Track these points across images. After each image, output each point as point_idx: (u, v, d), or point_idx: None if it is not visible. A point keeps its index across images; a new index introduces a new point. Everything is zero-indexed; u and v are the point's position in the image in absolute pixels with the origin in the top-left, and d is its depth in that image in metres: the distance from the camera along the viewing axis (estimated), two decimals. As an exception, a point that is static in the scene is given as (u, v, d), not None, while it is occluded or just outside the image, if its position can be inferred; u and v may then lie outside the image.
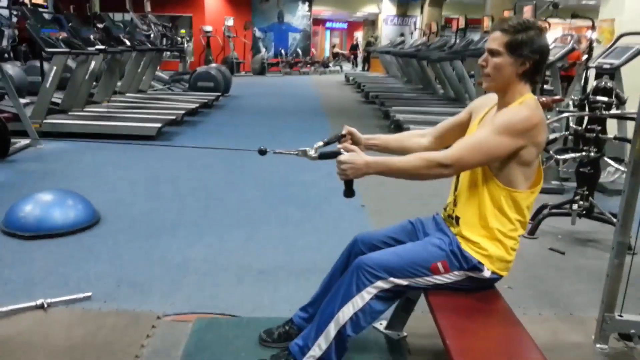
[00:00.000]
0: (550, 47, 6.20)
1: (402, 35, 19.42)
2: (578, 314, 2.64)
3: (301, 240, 3.51)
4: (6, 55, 10.15)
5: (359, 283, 1.82)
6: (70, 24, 7.73)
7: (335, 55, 26.18)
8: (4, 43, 10.20)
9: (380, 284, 1.82)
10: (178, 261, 3.11)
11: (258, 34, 20.07)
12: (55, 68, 6.52)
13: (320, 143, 1.93)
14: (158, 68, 15.13)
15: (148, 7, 12.47)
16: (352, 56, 26.68)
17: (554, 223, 3.80)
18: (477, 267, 1.82)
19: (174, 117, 7.31)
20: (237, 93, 12.12)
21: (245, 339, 2.23)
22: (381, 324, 2.38)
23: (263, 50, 19.78)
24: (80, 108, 7.44)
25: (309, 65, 21.12)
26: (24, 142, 5.85)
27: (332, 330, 1.83)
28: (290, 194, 4.58)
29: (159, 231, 3.58)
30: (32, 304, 2.46)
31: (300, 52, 21.45)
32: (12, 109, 6.00)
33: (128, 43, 8.71)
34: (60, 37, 6.81)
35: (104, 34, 8.41)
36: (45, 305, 2.47)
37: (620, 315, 2.30)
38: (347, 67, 25.21)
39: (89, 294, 2.63)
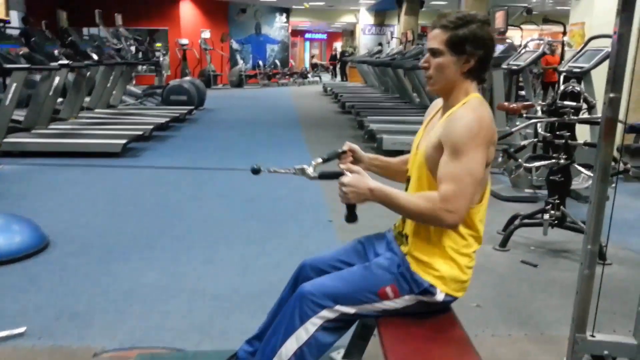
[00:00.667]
0: (522, 52, 6.18)
1: (379, 44, 19.38)
2: (550, 333, 2.49)
3: (261, 259, 3.33)
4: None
5: (302, 314, 1.65)
6: (33, 39, 7.48)
7: (314, 66, 26.09)
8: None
9: (326, 313, 1.65)
10: (126, 288, 2.90)
11: (235, 46, 19.89)
12: (14, 85, 6.26)
13: (319, 160, 1.76)
14: (133, 82, 14.91)
15: (119, 21, 12.24)
16: (332, 67, 26.61)
17: (526, 234, 3.67)
18: (429, 290, 1.65)
19: (141, 133, 7.08)
20: (213, 106, 11.92)
21: (187, 376, 2.04)
22: (339, 353, 2.19)
23: (241, 62, 19.60)
24: (44, 125, 7.17)
25: (287, 77, 20.99)
26: (-19, 162, 5.60)
27: (275, 367, 1.65)
28: (256, 209, 4.38)
29: (111, 255, 3.37)
30: (-46, 343, 2.25)
31: (278, 63, 21.32)
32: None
33: (95, 57, 8.49)
34: (21, 52, 6.59)
35: (70, 48, 8.17)
36: (-30, 344, 2.25)
37: (593, 336, 2.13)
38: (326, 77, 25.14)
39: (23, 329, 2.41)
